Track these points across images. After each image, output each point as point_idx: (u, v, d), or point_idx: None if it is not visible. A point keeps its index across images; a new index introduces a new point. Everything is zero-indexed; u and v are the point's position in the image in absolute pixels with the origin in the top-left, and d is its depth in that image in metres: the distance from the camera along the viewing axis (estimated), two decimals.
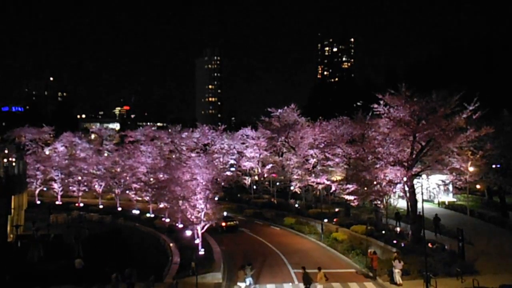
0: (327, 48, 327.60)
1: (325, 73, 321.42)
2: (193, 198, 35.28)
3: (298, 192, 57.88)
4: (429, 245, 32.11)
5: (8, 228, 41.18)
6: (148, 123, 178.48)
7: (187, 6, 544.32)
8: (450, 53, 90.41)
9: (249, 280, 27.60)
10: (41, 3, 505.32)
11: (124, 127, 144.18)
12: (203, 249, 35.02)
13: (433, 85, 44.52)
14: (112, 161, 65.66)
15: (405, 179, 34.64)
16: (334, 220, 45.55)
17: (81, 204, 65.56)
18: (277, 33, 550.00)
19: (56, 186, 68.01)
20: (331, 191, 49.00)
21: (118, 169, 62.49)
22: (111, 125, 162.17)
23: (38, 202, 67.29)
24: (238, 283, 27.60)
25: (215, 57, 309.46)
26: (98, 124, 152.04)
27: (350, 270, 32.47)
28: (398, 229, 38.79)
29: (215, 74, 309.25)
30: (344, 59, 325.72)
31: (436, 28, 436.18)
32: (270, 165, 64.92)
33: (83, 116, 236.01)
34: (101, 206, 63.64)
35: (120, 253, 35.48)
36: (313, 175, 50.87)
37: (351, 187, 38.70)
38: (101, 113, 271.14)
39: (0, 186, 40.31)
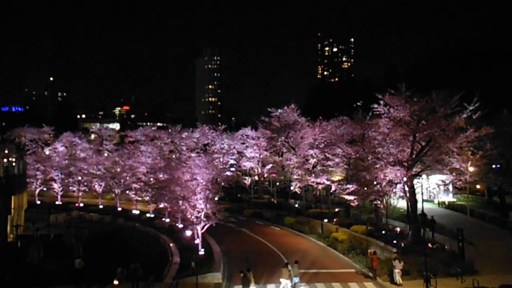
0: (327, 48, 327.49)
1: (325, 73, 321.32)
2: (193, 198, 35.26)
3: (298, 192, 57.82)
4: (429, 245, 32.11)
5: (8, 228, 41.17)
6: (148, 123, 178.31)
7: (187, 6, 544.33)
8: (450, 53, 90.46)
9: (297, 278, 27.76)
10: (41, 3, 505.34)
11: (124, 127, 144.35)
12: (203, 249, 34.98)
13: (433, 85, 44.51)
14: (112, 161, 65.59)
15: (405, 179, 34.62)
16: (334, 220, 45.53)
17: (81, 204, 65.55)
18: (277, 33, 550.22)
19: (56, 186, 68.00)
20: (331, 191, 48.98)
21: (118, 169, 62.42)
22: (111, 125, 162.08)
23: (38, 202, 67.28)
24: (281, 280, 27.65)
25: (215, 57, 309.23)
26: (98, 124, 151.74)
27: (350, 270, 32.47)
28: (398, 229, 38.74)
29: (215, 74, 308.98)
30: (344, 59, 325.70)
31: (436, 28, 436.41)
32: (270, 165, 64.88)
33: (83, 116, 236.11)
34: (101, 206, 63.61)
35: (120, 253, 35.45)
36: (313, 175, 50.82)
37: (351, 187, 38.67)
38: (101, 113, 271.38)
39: (0, 186, 40.31)
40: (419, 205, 35.04)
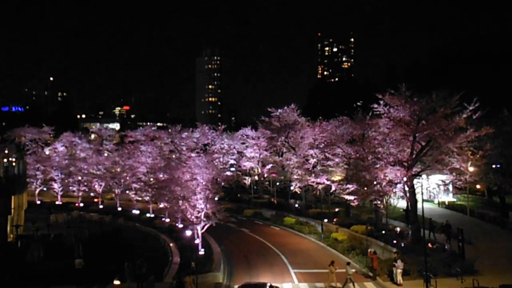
0: (327, 48, 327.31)
1: (325, 73, 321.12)
2: (193, 198, 35.30)
3: (298, 192, 57.83)
4: (429, 245, 32.11)
5: (8, 228, 41.16)
6: (148, 123, 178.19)
7: (187, 6, 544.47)
8: (450, 53, 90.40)
9: (348, 278, 28.07)
10: (41, 2, 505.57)
11: (124, 127, 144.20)
12: (203, 249, 35.03)
13: (433, 85, 44.51)
14: (112, 161, 65.68)
15: (405, 179, 34.63)
16: (334, 220, 45.56)
17: (81, 204, 65.56)
18: (277, 33, 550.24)
19: (56, 186, 68.04)
20: (331, 191, 48.97)
21: (118, 169, 62.50)
22: (111, 125, 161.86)
23: (38, 202, 67.31)
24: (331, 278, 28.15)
25: (215, 57, 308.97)
26: (98, 124, 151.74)
27: None
28: (398, 229, 38.75)
29: (215, 74, 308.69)
30: (344, 59, 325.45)
31: (436, 28, 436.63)
32: (270, 165, 64.89)
33: (83, 116, 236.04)
34: (101, 206, 63.63)
35: (120, 253, 35.48)
36: (313, 175, 50.83)
37: (351, 187, 38.69)
38: (101, 113, 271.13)
39: (0, 186, 40.31)
40: (419, 205, 35.10)
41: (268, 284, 26.39)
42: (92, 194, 66.76)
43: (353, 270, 29.05)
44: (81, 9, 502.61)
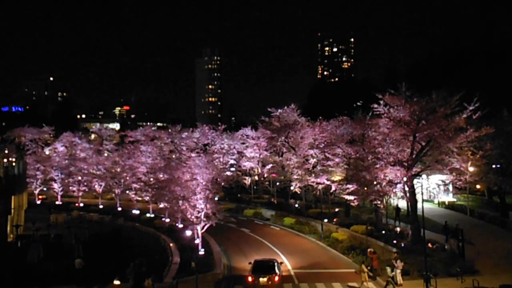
0: (327, 48, 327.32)
1: (325, 73, 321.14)
2: (193, 198, 35.33)
3: (298, 192, 57.82)
4: (429, 245, 32.12)
5: (8, 228, 41.19)
6: (148, 123, 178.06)
7: (187, 6, 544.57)
8: (450, 53, 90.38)
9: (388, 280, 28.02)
10: (41, 2, 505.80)
11: (124, 127, 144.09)
12: (203, 249, 35.05)
13: (433, 85, 44.54)
14: (112, 161, 65.64)
15: (405, 179, 34.65)
16: (334, 220, 45.56)
17: (81, 204, 65.57)
18: (277, 33, 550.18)
19: (56, 186, 68.03)
20: (331, 191, 48.98)
21: (118, 169, 62.46)
22: (111, 125, 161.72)
23: (38, 202, 67.31)
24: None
25: (215, 57, 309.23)
26: (98, 124, 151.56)
27: (350, 270, 32.41)
28: (398, 229, 38.77)
29: (215, 74, 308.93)
30: (344, 59, 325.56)
31: (436, 28, 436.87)
32: (270, 165, 64.85)
33: (83, 116, 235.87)
34: (101, 206, 63.64)
35: (120, 253, 35.50)
36: (313, 175, 50.83)
37: (351, 187, 38.71)
38: (101, 113, 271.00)
39: (0, 186, 40.34)
40: (419, 205, 35.10)
41: (275, 261, 30.40)
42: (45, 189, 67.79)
43: (393, 273, 28.73)
44: (81, 9, 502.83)
